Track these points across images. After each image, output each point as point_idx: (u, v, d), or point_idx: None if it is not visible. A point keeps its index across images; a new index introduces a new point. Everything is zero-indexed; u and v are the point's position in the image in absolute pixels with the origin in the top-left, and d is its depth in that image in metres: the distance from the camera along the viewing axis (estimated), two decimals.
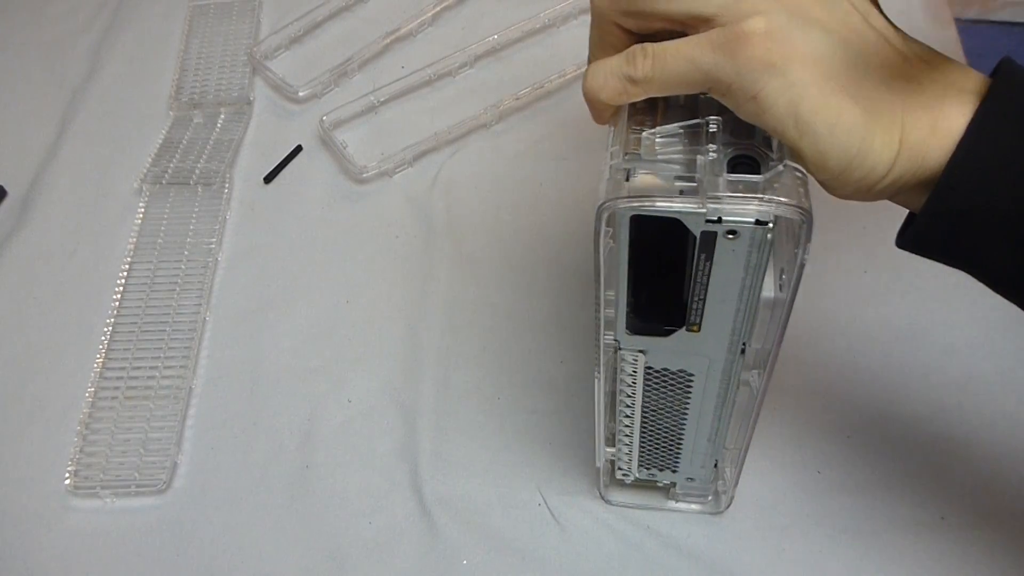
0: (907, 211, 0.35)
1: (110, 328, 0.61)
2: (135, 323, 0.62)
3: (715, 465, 0.47)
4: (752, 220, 0.31)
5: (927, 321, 0.57)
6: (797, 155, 0.31)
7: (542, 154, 0.69)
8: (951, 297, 0.57)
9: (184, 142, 0.71)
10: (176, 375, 0.59)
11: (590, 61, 0.34)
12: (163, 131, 0.73)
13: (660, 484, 0.50)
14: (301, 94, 0.74)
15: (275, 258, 0.65)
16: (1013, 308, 0.35)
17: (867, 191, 0.32)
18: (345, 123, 0.72)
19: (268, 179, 0.70)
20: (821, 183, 0.32)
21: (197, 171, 0.69)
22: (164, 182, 0.69)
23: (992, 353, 0.55)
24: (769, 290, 0.35)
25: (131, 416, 0.57)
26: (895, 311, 0.57)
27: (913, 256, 0.35)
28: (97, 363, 0.60)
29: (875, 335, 0.56)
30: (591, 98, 0.33)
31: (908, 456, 0.52)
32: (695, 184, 0.31)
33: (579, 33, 0.75)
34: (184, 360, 0.60)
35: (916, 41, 0.33)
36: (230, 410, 0.58)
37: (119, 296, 0.63)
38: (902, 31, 0.33)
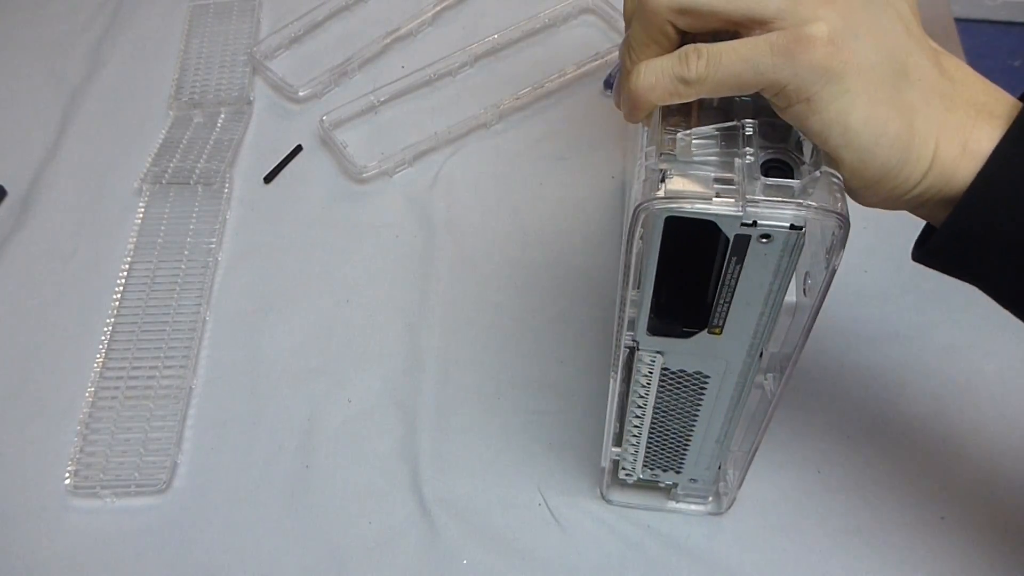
0: (922, 225, 0.36)
1: (110, 328, 0.61)
2: (135, 323, 0.62)
3: (719, 467, 0.47)
4: (787, 225, 0.31)
5: (927, 321, 0.57)
6: (836, 162, 0.31)
7: (542, 154, 0.69)
8: (951, 297, 0.57)
9: (184, 142, 0.71)
10: (176, 375, 0.59)
11: (633, 61, 0.34)
12: (163, 131, 0.73)
13: (662, 485, 0.50)
14: (301, 94, 0.74)
15: (275, 258, 0.65)
16: None
17: (893, 201, 0.33)
18: (345, 123, 0.72)
19: (268, 179, 0.70)
20: (850, 190, 0.33)
21: (197, 171, 0.69)
22: (164, 182, 0.69)
23: (992, 353, 0.55)
24: (792, 294, 0.35)
25: (131, 416, 0.57)
26: (895, 311, 0.57)
27: None
28: (97, 363, 0.60)
29: (875, 335, 0.56)
30: (639, 97, 0.33)
31: (908, 456, 0.52)
32: (732, 187, 0.31)
33: (579, 33, 0.75)
34: (184, 360, 0.60)
35: (950, 56, 0.34)
36: (230, 410, 0.58)
37: (119, 296, 0.63)
38: (936, 45, 0.34)
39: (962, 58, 0.68)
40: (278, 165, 0.70)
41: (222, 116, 0.73)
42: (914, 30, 0.32)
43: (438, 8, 0.77)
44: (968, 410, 0.53)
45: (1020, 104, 0.33)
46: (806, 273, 0.35)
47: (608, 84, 0.70)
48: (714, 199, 0.31)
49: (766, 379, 0.41)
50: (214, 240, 0.66)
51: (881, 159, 0.31)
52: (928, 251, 0.34)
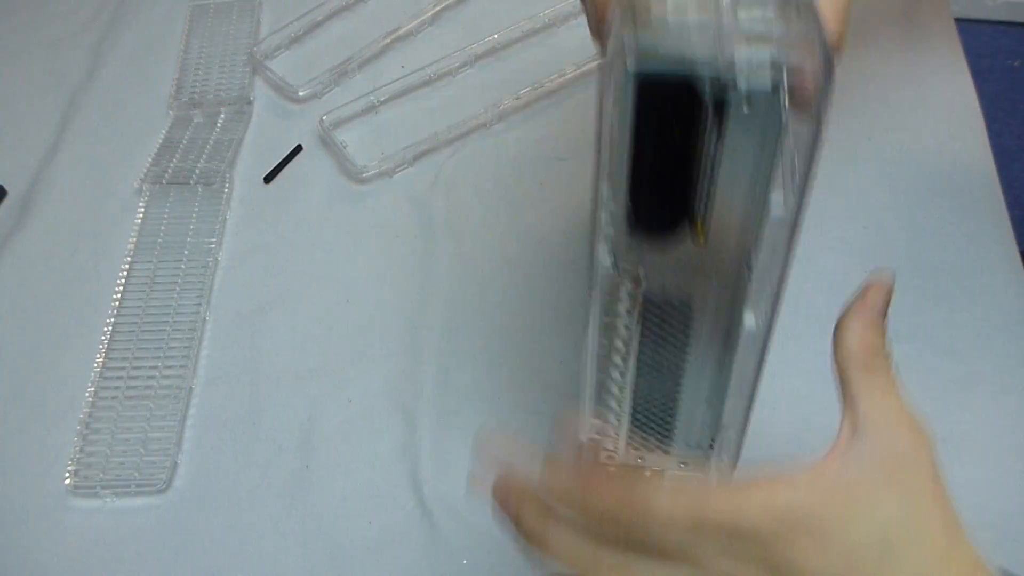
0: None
1: (110, 328, 0.61)
2: (135, 323, 0.62)
3: (710, 445, 0.46)
4: (768, 86, 0.29)
5: (927, 321, 0.57)
6: None
7: (542, 154, 0.69)
8: (951, 297, 0.57)
9: (184, 142, 0.71)
10: (176, 375, 0.59)
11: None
12: (163, 131, 0.73)
13: (648, 473, 0.49)
14: (301, 94, 0.74)
15: (275, 258, 0.65)
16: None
17: None
18: (345, 123, 0.72)
19: (268, 179, 0.70)
20: None
21: (197, 171, 0.69)
22: (164, 182, 0.69)
23: (992, 353, 0.55)
24: (778, 207, 0.34)
25: (131, 416, 0.57)
26: (895, 310, 0.57)
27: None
28: (97, 363, 0.60)
29: None
30: None
31: None
32: (708, 29, 0.29)
33: (579, 33, 0.75)
34: (184, 360, 0.60)
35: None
36: (230, 410, 0.58)
37: (119, 296, 0.63)
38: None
39: (962, 58, 0.68)
40: (278, 165, 0.70)
41: (222, 116, 0.73)
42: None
43: (438, 8, 0.77)
44: (968, 410, 0.53)
45: None
46: (792, 170, 0.34)
47: None
48: (687, 35, 0.29)
49: (753, 317, 0.39)
50: (214, 240, 0.66)
51: None
52: None
